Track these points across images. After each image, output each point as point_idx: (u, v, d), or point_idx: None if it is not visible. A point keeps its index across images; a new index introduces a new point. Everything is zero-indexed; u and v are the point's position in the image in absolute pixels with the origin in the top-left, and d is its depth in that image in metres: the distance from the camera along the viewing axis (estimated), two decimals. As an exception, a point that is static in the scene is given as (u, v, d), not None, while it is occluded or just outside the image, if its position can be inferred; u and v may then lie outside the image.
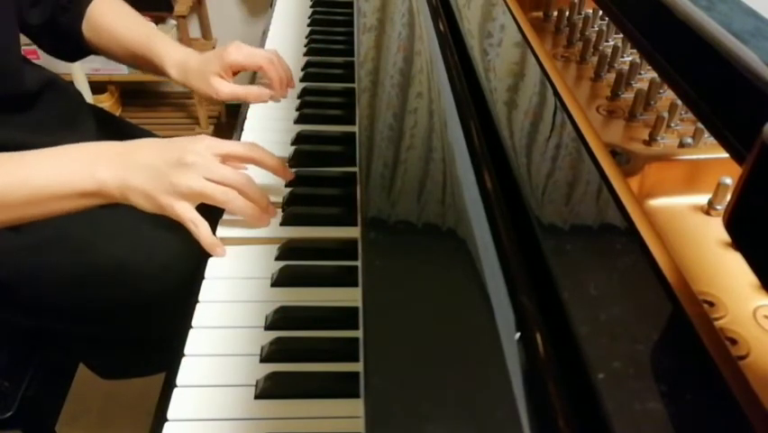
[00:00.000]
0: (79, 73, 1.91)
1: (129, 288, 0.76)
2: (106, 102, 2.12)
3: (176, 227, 0.78)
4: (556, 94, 0.50)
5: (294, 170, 0.70)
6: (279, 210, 0.67)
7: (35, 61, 0.88)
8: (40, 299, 0.76)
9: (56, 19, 0.85)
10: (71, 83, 0.95)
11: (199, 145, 0.61)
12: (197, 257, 0.62)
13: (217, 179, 0.60)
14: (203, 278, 0.59)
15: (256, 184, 0.63)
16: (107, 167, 0.59)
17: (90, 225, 0.76)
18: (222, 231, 0.64)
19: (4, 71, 0.76)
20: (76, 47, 0.88)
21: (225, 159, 0.62)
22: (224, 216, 0.65)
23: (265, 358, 0.52)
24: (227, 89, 0.79)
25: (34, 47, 0.92)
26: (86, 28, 0.86)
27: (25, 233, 0.73)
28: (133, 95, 2.27)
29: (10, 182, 0.57)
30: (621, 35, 0.64)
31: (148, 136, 0.91)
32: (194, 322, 0.55)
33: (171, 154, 0.59)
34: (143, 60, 0.85)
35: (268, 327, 0.55)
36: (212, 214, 0.64)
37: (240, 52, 0.79)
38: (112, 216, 0.79)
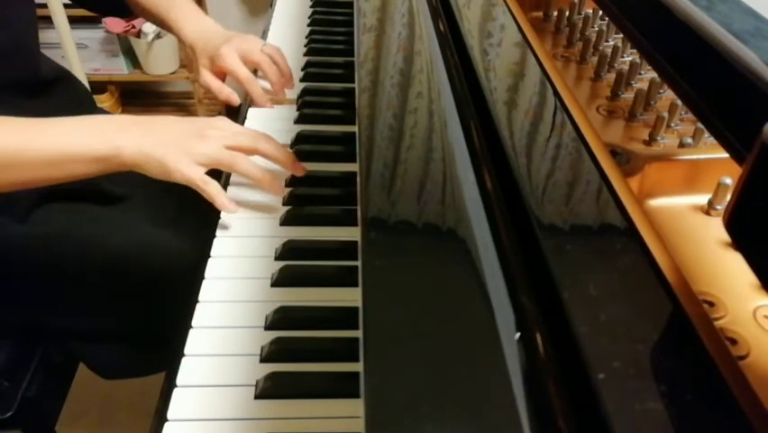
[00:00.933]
0: (79, 73, 1.91)
1: (131, 282, 0.77)
2: (106, 102, 2.12)
3: (179, 224, 0.80)
4: (556, 94, 0.50)
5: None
6: (281, 207, 0.67)
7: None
8: (43, 292, 0.77)
9: None
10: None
11: (217, 123, 0.65)
12: (199, 254, 0.62)
13: (234, 146, 0.63)
14: (203, 278, 0.59)
15: (270, 141, 0.66)
16: (126, 134, 0.61)
17: (95, 221, 0.78)
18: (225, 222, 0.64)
19: (25, 54, 0.79)
20: (122, 8, 0.92)
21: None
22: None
23: (265, 358, 0.52)
24: (206, 78, 0.84)
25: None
26: None
27: (31, 225, 0.74)
28: (133, 95, 2.27)
29: (29, 142, 0.59)
30: (621, 35, 0.64)
31: None
32: (194, 322, 0.55)
33: (193, 128, 0.63)
34: (167, 28, 0.88)
35: (268, 327, 0.55)
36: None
37: (231, 61, 0.81)
38: (115, 212, 0.80)
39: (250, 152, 0.65)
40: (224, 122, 0.65)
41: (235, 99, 0.84)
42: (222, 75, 0.84)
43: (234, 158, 0.63)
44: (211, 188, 0.62)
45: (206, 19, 0.87)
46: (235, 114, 0.86)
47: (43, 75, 0.83)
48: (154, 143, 0.61)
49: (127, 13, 0.94)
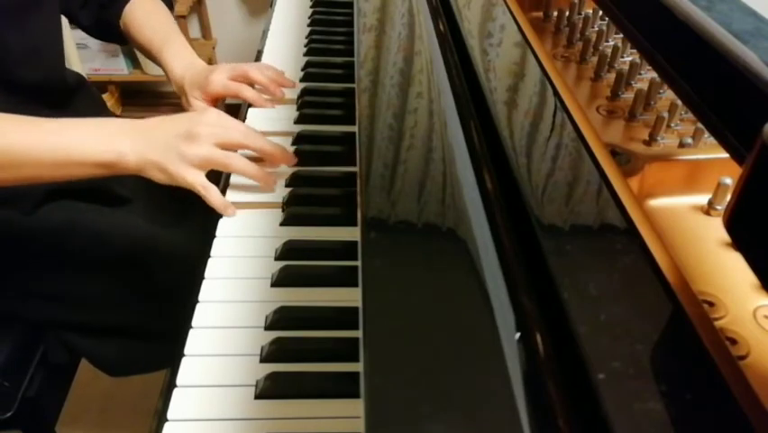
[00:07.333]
0: (80, 72, 1.92)
1: (133, 279, 0.78)
2: (106, 102, 2.12)
3: (180, 223, 0.80)
4: (556, 94, 0.50)
5: (294, 169, 0.71)
6: (281, 208, 0.67)
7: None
8: (46, 286, 0.78)
9: (100, 16, 0.91)
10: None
11: (206, 117, 0.65)
12: (200, 253, 0.62)
13: (226, 143, 0.64)
14: (203, 278, 0.59)
15: (259, 135, 0.67)
16: (128, 141, 0.62)
17: (98, 219, 0.79)
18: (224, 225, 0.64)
19: (49, 59, 0.81)
20: (118, 38, 0.94)
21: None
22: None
23: (265, 358, 0.52)
24: (198, 106, 0.84)
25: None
26: (122, 24, 0.92)
27: (36, 219, 0.76)
28: (133, 95, 2.27)
29: (39, 143, 0.61)
30: (621, 35, 0.64)
31: None
32: (194, 322, 0.55)
33: (181, 127, 0.64)
34: (157, 63, 0.89)
35: (268, 327, 0.55)
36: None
37: (219, 83, 0.82)
38: (118, 211, 0.81)
39: (241, 148, 0.66)
40: (212, 115, 0.66)
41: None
42: (214, 102, 0.84)
43: (228, 158, 0.64)
44: (211, 194, 0.64)
45: (194, 55, 0.88)
46: (235, 114, 0.86)
47: (67, 84, 0.86)
48: (152, 149, 0.62)
49: (123, 42, 0.95)
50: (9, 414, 0.76)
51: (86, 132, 0.63)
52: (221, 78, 0.82)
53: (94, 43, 1.99)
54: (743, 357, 0.34)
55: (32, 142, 0.61)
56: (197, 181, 0.63)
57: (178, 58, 0.86)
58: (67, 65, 0.90)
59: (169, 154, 0.62)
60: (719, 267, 0.40)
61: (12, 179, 0.62)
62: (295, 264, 0.60)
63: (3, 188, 0.63)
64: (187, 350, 0.53)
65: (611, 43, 0.63)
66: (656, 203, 0.46)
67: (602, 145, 0.44)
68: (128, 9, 0.90)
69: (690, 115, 0.52)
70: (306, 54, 0.98)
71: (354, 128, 0.76)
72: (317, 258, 0.61)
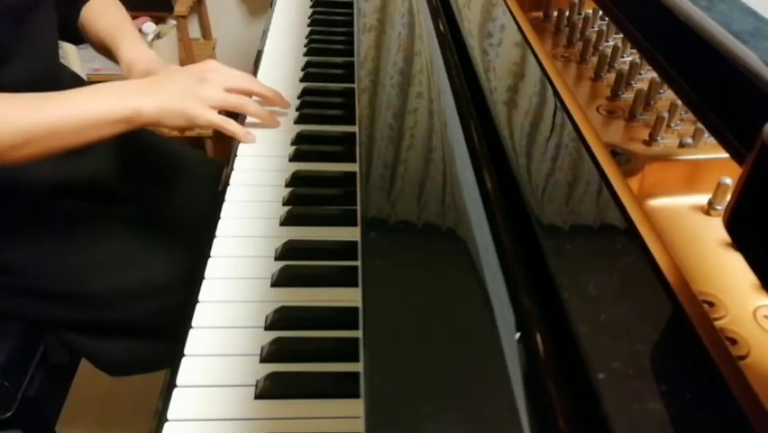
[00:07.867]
0: (79, 73, 1.92)
1: (132, 279, 0.78)
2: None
3: (180, 223, 0.80)
4: (556, 94, 0.50)
5: (294, 169, 0.71)
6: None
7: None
8: (47, 284, 0.78)
9: (66, 15, 0.89)
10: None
11: (210, 65, 0.74)
12: (199, 254, 0.62)
13: (232, 87, 0.73)
14: (203, 278, 0.59)
15: (256, 80, 0.77)
16: (141, 96, 0.68)
17: (99, 219, 0.79)
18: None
19: (47, 62, 0.82)
20: (75, 37, 0.94)
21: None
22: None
23: (265, 358, 0.52)
24: None
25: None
26: (80, 23, 0.91)
27: (36, 217, 0.77)
28: (133, 95, 2.27)
29: (60, 115, 0.65)
30: (621, 35, 0.64)
31: (154, 133, 0.97)
32: (194, 322, 0.55)
33: (191, 76, 0.72)
34: (111, 55, 0.89)
35: (268, 327, 0.55)
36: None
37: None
38: (119, 211, 0.82)
39: (247, 92, 0.74)
40: (213, 63, 0.74)
41: None
42: None
43: (240, 99, 0.73)
44: (232, 126, 0.72)
45: (148, 49, 0.87)
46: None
47: (61, 79, 0.86)
48: (170, 98, 0.69)
49: (79, 41, 0.94)
50: (9, 414, 0.76)
51: (99, 95, 0.68)
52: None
53: (94, 43, 1.99)
54: (743, 357, 0.34)
55: (55, 116, 0.64)
56: (217, 117, 0.70)
57: (132, 46, 0.85)
58: (67, 65, 0.90)
59: (187, 100, 0.69)
60: (719, 267, 0.40)
61: (36, 154, 0.65)
62: (295, 264, 0.60)
63: (3, 187, 0.63)
64: (187, 350, 0.53)
65: (611, 43, 0.63)
66: (656, 203, 0.46)
67: (602, 145, 0.44)
68: (88, 7, 0.90)
69: (690, 115, 0.52)
70: (306, 54, 0.98)
71: (354, 128, 0.76)
72: (317, 258, 0.61)
